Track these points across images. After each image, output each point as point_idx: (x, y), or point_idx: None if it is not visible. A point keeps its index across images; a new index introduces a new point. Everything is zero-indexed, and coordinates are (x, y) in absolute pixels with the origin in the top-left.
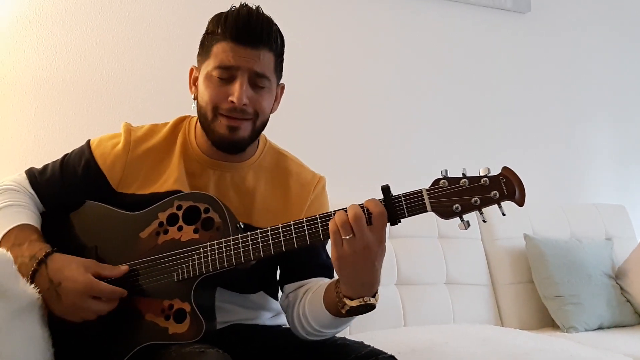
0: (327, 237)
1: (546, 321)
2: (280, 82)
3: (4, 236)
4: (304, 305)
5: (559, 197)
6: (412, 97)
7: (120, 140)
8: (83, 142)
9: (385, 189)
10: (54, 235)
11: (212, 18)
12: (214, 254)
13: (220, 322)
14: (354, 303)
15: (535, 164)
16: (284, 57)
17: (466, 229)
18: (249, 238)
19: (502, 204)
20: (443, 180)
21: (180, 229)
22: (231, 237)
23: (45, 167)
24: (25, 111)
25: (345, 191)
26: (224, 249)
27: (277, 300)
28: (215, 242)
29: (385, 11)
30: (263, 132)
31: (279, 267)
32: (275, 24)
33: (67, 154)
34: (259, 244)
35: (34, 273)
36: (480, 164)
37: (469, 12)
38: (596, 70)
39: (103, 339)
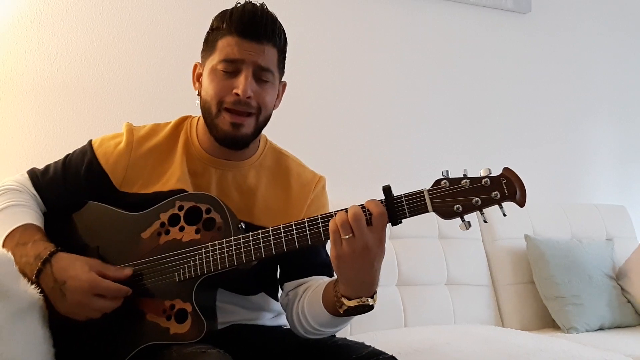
0: (328, 237)
1: (547, 322)
2: (282, 80)
3: (7, 236)
4: (303, 303)
5: (560, 198)
6: (414, 97)
7: (122, 139)
8: (84, 142)
9: (387, 189)
10: (56, 236)
11: (217, 15)
12: (215, 254)
13: (221, 322)
14: (352, 303)
15: (536, 164)
16: (286, 55)
17: (467, 229)
18: (251, 238)
19: (503, 204)
20: (444, 181)
21: (181, 229)
22: (232, 238)
23: (47, 167)
24: (26, 111)
25: (347, 191)
26: (225, 249)
27: (277, 300)
28: (216, 242)
29: (387, 11)
30: (264, 133)
31: (279, 266)
32: (279, 21)
33: (68, 154)
34: (260, 244)
35: (39, 272)
36: (481, 164)
37: (469, 12)
38: (597, 70)
39: (104, 339)
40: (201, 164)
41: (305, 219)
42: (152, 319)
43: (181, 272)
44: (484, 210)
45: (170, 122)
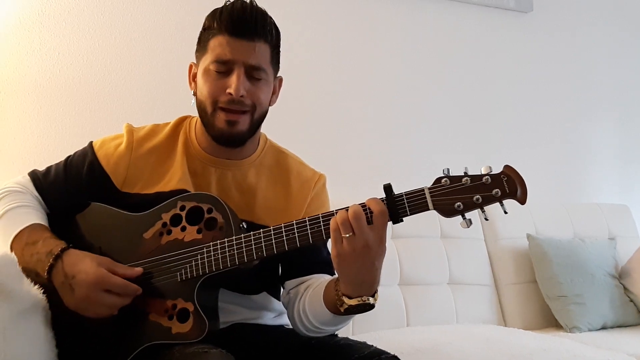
0: (329, 236)
1: (549, 321)
2: (279, 75)
3: (15, 237)
4: (305, 302)
5: (562, 197)
6: (415, 95)
7: (122, 140)
8: (86, 143)
9: (387, 188)
10: (59, 237)
11: (208, 14)
12: (217, 253)
13: (223, 322)
14: (353, 302)
15: (538, 163)
16: (280, 49)
17: (468, 227)
18: (252, 238)
19: (504, 202)
20: (445, 179)
21: (183, 229)
22: (234, 237)
23: (49, 169)
24: (27, 113)
25: (347, 191)
26: (227, 249)
27: (279, 300)
28: (218, 242)
29: (388, 10)
30: (263, 132)
31: (280, 264)
32: (270, 16)
33: (70, 156)
34: (261, 243)
35: (51, 268)
36: (482, 163)
37: (471, 11)
38: (599, 69)
39: (107, 339)
40: (201, 164)
41: (307, 218)
42: (154, 318)
43: (183, 271)
44: (485, 208)
45: (169, 123)
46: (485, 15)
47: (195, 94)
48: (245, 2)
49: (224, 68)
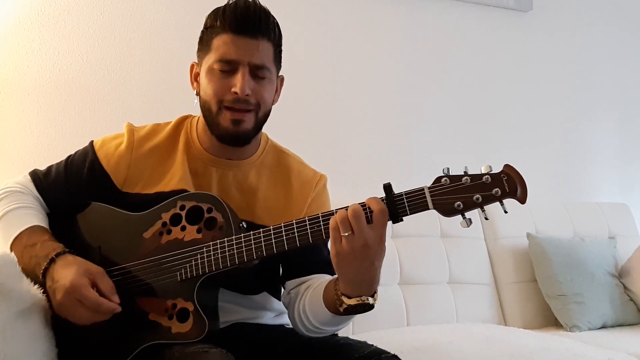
0: (329, 235)
1: (549, 320)
2: (280, 74)
3: (15, 239)
4: (305, 302)
5: (562, 196)
6: (415, 95)
7: (123, 140)
8: (86, 143)
9: (387, 187)
10: (60, 237)
11: (210, 13)
12: (217, 253)
13: (223, 321)
14: (352, 302)
15: (538, 162)
16: (282, 48)
17: (468, 226)
18: (252, 237)
19: (504, 201)
20: (445, 178)
21: (183, 229)
22: (234, 237)
23: (49, 169)
24: (27, 112)
25: (347, 190)
26: (226, 249)
27: (279, 300)
28: (218, 241)
29: (387, 10)
30: (265, 131)
31: (280, 264)
32: (272, 15)
33: (70, 156)
34: (261, 243)
35: (45, 271)
36: (482, 162)
37: (470, 10)
38: (599, 68)
39: (106, 339)
40: (202, 164)
41: (307, 217)
42: (154, 318)
43: (183, 271)
44: (485, 207)
45: (170, 122)
46: (485, 14)
47: (198, 93)
48: (249, 0)
49: (228, 67)
